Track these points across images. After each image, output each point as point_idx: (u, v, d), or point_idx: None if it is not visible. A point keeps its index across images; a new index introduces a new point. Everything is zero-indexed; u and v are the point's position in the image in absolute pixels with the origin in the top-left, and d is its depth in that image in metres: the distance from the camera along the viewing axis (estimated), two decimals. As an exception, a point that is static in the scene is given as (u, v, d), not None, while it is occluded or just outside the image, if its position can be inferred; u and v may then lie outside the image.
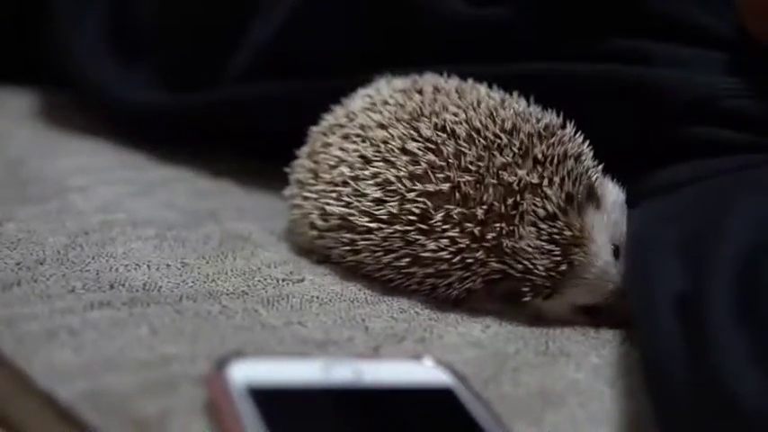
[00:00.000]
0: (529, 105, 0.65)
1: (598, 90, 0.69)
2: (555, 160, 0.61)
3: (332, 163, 0.65)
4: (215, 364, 0.49)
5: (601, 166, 0.63)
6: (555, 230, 0.59)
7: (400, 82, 0.68)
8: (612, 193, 0.64)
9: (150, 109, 0.87)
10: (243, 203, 0.78)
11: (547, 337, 0.60)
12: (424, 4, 0.75)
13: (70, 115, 0.95)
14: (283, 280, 0.64)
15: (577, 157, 0.62)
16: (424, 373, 0.51)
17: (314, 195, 0.66)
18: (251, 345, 0.55)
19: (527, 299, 0.60)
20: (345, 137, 0.66)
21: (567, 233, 0.60)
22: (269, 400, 0.47)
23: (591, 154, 0.63)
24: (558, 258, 0.59)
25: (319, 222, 0.65)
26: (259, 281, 0.63)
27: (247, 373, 0.48)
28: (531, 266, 0.59)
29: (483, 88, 0.66)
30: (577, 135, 0.63)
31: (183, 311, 0.58)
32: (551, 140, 0.61)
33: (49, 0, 0.95)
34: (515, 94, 0.65)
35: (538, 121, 0.63)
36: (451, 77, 0.67)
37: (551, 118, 0.64)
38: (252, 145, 0.84)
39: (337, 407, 0.49)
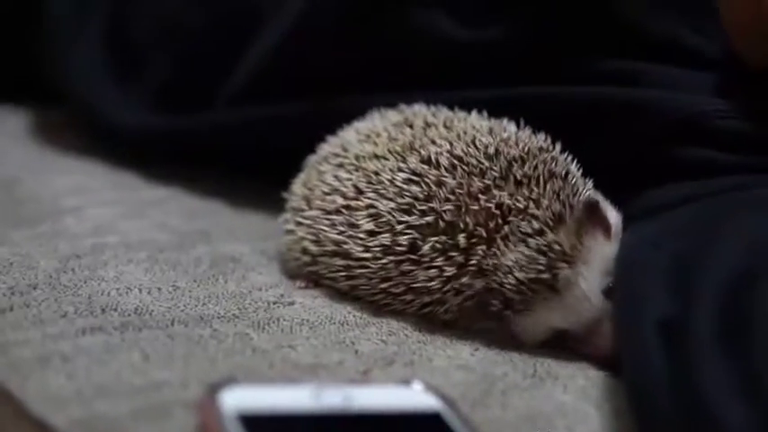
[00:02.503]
0: (519, 129, 0.65)
1: (590, 111, 0.70)
2: (539, 180, 0.61)
3: (326, 190, 0.66)
4: (206, 391, 0.49)
5: (591, 184, 0.63)
6: (543, 243, 0.59)
7: (393, 115, 0.68)
8: (614, 220, 0.63)
9: (145, 133, 0.88)
10: (234, 224, 0.79)
11: (535, 359, 0.60)
12: (419, 27, 0.76)
13: (64, 134, 0.96)
14: (274, 303, 0.64)
15: (564, 177, 0.61)
16: (413, 397, 0.52)
17: (307, 221, 0.66)
18: (242, 369, 0.56)
19: (494, 309, 0.60)
20: (340, 165, 0.66)
21: (557, 248, 0.59)
22: (260, 426, 0.47)
23: (579, 173, 0.63)
24: (542, 268, 0.59)
25: (313, 248, 0.66)
26: (250, 304, 0.64)
27: (238, 399, 0.49)
28: (505, 280, 0.59)
29: (473, 118, 0.66)
30: (564, 155, 0.63)
31: (174, 336, 0.58)
32: (533, 162, 0.61)
33: (45, 19, 0.96)
34: (505, 120, 0.66)
35: (524, 145, 0.63)
36: (441, 109, 0.68)
37: (538, 140, 0.64)
38: (246, 166, 0.84)
39: (327, 433, 0.49)
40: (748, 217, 0.58)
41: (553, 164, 0.62)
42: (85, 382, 0.53)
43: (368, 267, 0.63)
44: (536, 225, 0.59)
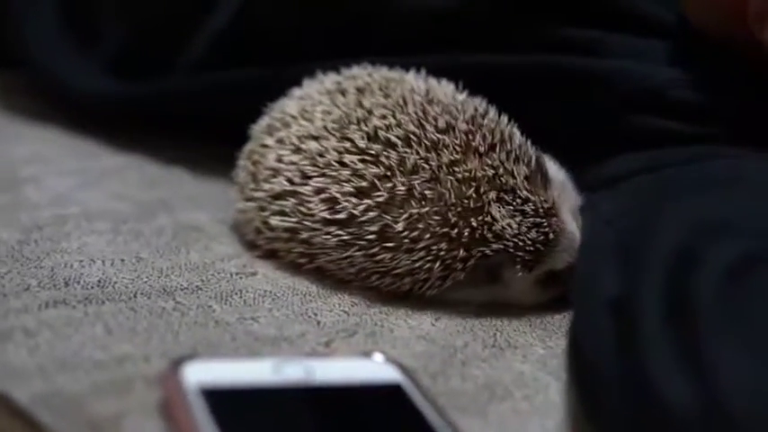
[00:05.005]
0: (458, 90, 0.66)
1: (548, 80, 0.70)
2: (496, 147, 0.62)
3: (269, 172, 0.65)
4: (169, 366, 0.50)
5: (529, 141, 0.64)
6: (534, 207, 0.61)
7: (329, 81, 0.68)
8: (553, 169, 0.65)
9: (105, 98, 0.87)
10: (195, 192, 0.79)
11: (495, 328, 0.61)
12: None
13: (21, 99, 0.95)
14: (237, 274, 0.65)
15: (510, 139, 0.63)
16: (373, 369, 0.52)
17: (254, 203, 0.66)
18: (204, 343, 0.56)
19: (519, 274, 0.61)
20: (280, 142, 0.66)
21: (546, 205, 0.61)
22: (222, 400, 0.48)
23: (518, 132, 0.64)
24: (546, 229, 0.61)
25: (265, 231, 0.66)
26: (212, 275, 0.64)
27: (201, 373, 0.49)
28: (521, 243, 0.61)
29: (409, 79, 0.66)
30: (501, 117, 0.64)
31: (137, 309, 0.59)
32: (483, 130, 0.62)
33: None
34: (443, 82, 0.66)
35: (465, 112, 0.63)
36: (378, 69, 0.68)
37: (474, 105, 0.64)
38: (207, 132, 0.84)
39: (289, 406, 0.50)
40: (693, 196, 0.59)
41: (497, 128, 0.63)
42: (48, 356, 0.53)
43: (330, 255, 0.63)
44: (522, 194, 0.61)
